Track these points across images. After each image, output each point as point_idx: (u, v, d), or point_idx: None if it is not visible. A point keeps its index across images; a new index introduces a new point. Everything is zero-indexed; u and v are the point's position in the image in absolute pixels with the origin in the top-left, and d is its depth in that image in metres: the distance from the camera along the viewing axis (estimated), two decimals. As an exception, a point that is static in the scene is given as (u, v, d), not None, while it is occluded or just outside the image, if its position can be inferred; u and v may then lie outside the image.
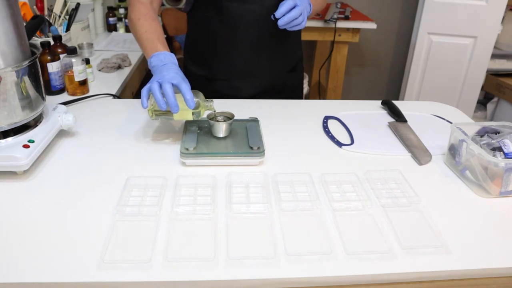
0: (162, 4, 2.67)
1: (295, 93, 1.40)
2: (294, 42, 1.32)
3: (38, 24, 1.27)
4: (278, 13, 1.01)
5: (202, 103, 0.95)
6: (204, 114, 0.97)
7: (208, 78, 1.28)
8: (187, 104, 0.89)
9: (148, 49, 1.04)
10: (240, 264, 0.65)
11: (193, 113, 0.94)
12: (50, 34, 1.49)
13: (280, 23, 1.01)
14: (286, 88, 1.35)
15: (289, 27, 1.04)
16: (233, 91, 1.27)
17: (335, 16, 2.45)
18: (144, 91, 0.91)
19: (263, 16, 1.13)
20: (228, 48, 1.23)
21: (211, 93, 1.27)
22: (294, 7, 1.01)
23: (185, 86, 0.90)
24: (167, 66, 0.96)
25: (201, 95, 0.96)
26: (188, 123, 1.02)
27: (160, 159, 0.92)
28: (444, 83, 2.86)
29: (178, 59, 1.03)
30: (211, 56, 1.25)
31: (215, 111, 0.97)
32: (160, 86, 0.90)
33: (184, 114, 0.94)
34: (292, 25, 1.03)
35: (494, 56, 2.77)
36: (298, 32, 1.33)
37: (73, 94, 1.27)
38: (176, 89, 0.91)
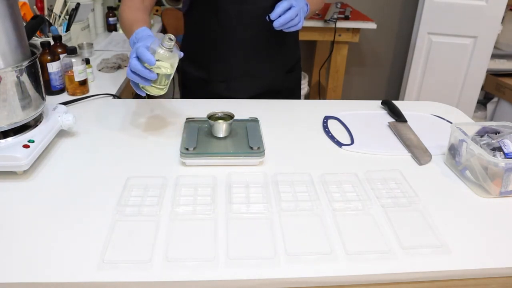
0: (162, 4, 2.67)
1: (293, 94, 1.39)
2: (292, 42, 1.32)
3: (38, 24, 1.27)
4: (273, 15, 1.00)
5: (163, 53, 0.87)
6: (169, 59, 0.88)
7: (205, 80, 1.28)
8: (150, 64, 0.85)
9: (129, 36, 1.04)
10: (240, 264, 0.65)
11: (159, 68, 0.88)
12: (50, 34, 1.49)
13: (276, 24, 1.01)
14: (284, 89, 1.35)
15: (285, 28, 1.03)
16: (231, 92, 1.27)
17: (335, 16, 2.45)
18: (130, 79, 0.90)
19: (260, 17, 1.13)
20: (225, 50, 1.22)
21: (209, 95, 1.27)
22: (290, 8, 1.01)
23: (141, 51, 0.85)
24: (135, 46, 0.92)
25: (162, 43, 0.87)
26: (188, 123, 1.02)
27: (160, 159, 0.92)
28: (444, 83, 2.86)
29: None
30: (208, 58, 1.25)
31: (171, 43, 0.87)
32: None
33: (159, 77, 0.89)
34: (288, 26, 1.03)
35: (494, 56, 2.77)
36: (296, 32, 1.33)
37: (73, 94, 1.27)
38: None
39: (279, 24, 1.01)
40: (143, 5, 1.15)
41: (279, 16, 1.00)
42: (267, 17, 1.02)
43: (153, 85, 0.90)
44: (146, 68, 0.86)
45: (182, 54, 0.91)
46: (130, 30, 1.03)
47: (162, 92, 0.92)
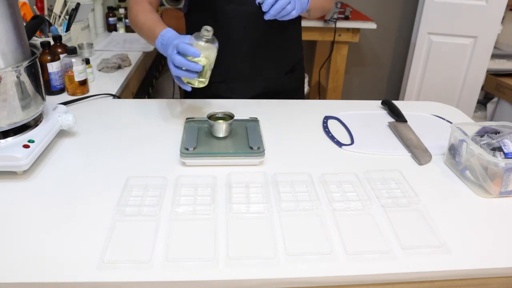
0: (162, 4, 2.67)
1: (295, 95, 1.36)
2: (293, 42, 1.31)
3: (38, 24, 1.27)
4: (265, 6, 0.95)
5: (203, 45, 0.92)
6: (208, 50, 0.93)
7: None
8: (195, 56, 0.90)
9: (151, 38, 1.06)
10: (240, 264, 0.65)
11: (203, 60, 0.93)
12: (50, 34, 1.49)
13: (266, 16, 0.97)
14: (285, 90, 1.33)
15: (278, 17, 0.98)
16: (231, 93, 1.27)
17: (335, 16, 2.45)
18: (173, 74, 0.95)
19: (259, 17, 1.12)
20: (225, 51, 1.21)
21: (209, 96, 1.27)
22: None
23: (183, 47, 0.90)
24: (166, 46, 0.98)
25: (199, 37, 0.92)
26: (188, 123, 1.02)
27: (160, 159, 0.92)
28: (444, 83, 2.86)
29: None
30: None
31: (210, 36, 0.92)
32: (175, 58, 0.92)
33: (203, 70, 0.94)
34: (281, 15, 0.97)
35: (494, 56, 2.77)
36: (298, 32, 1.32)
37: (73, 94, 1.27)
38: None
39: (270, 16, 0.97)
40: (152, 7, 1.17)
41: (272, 6, 0.95)
42: (257, 2, 0.96)
43: (197, 78, 0.94)
44: (190, 61, 0.90)
45: (217, 45, 0.95)
46: (152, 33, 1.04)
47: (204, 84, 0.97)
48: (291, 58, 1.33)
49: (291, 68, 1.34)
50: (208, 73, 0.96)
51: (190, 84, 0.96)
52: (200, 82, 0.96)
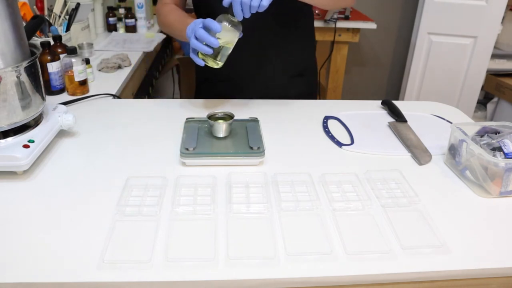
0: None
1: (304, 99, 1.33)
2: (302, 46, 1.28)
3: (38, 24, 1.27)
4: (238, 16, 0.93)
5: (226, 26, 0.97)
6: (230, 32, 0.97)
7: (210, 80, 1.28)
8: (216, 31, 0.94)
9: (183, 28, 1.08)
10: (240, 264, 0.65)
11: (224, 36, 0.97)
12: (50, 34, 1.49)
13: (246, 16, 0.95)
14: (292, 94, 1.29)
15: (253, 12, 0.94)
16: (235, 93, 1.26)
17: (335, 16, 2.45)
18: (192, 49, 1.00)
19: (263, 17, 1.12)
20: None
21: (213, 95, 1.27)
22: None
23: (208, 21, 0.94)
24: (193, 28, 1.02)
25: (225, 19, 0.97)
26: (188, 123, 1.02)
27: (160, 159, 0.92)
28: (444, 83, 2.86)
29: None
30: None
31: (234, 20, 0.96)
32: (196, 35, 0.97)
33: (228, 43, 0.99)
34: (253, 11, 0.93)
35: (494, 56, 2.77)
36: (307, 34, 1.30)
37: (73, 94, 1.27)
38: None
39: (246, 16, 0.94)
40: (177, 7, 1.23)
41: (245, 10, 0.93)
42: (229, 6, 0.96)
43: (212, 57, 0.98)
44: (211, 36, 0.94)
45: (241, 34, 0.99)
46: (186, 22, 1.08)
47: (218, 66, 1.00)
48: (299, 61, 1.29)
49: (299, 72, 1.30)
50: (224, 57, 1.00)
51: (205, 60, 0.99)
52: (214, 62, 0.99)
